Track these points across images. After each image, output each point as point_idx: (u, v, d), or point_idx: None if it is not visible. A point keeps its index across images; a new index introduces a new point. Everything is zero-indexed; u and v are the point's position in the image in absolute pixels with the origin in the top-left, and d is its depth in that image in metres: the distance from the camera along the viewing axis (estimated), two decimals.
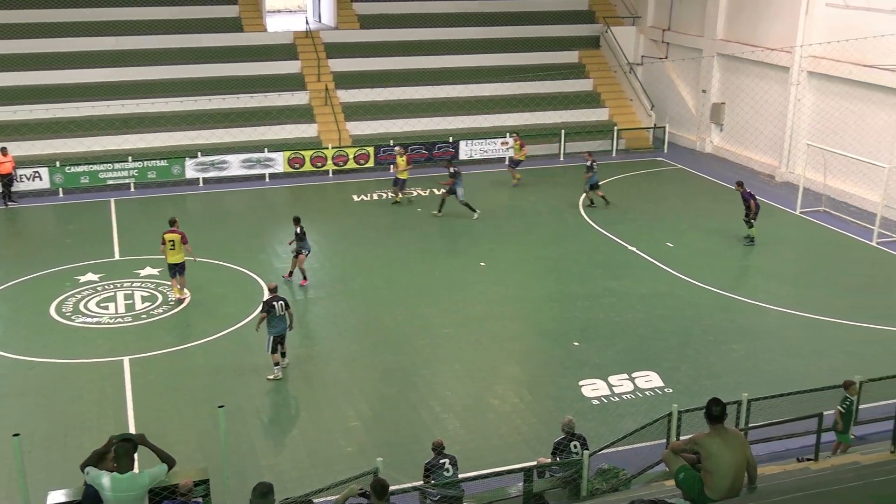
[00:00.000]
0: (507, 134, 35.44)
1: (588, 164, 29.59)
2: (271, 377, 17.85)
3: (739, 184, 26.44)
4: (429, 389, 17.72)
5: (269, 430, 16.39)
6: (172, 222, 21.47)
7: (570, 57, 40.70)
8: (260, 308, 18.25)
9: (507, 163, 33.65)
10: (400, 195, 30.02)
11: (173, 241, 21.02)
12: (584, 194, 30.01)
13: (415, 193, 30.77)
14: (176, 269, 21.30)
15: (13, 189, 29.61)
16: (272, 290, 18.15)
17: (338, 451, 15.45)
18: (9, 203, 29.26)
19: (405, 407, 17.00)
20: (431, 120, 36.44)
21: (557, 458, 13.62)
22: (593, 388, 17.60)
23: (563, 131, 36.28)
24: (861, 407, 15.49)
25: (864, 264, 25.12)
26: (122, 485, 9.23)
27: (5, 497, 13.76)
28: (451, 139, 35.00)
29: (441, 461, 13.20)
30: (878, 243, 26.29)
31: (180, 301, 21.49)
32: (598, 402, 17.12)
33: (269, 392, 17.62)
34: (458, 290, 22.71)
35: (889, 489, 7.24)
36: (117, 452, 9.38)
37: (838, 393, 15.35)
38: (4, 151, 29.22)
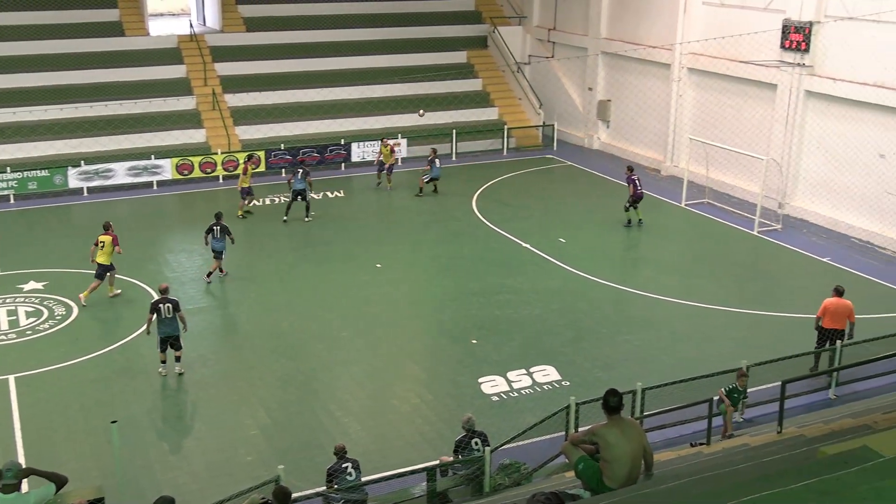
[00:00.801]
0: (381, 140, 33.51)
1: (430, 158, 30.92)
2: (161, 371, 18.02)
3: (629, 168, 27.66)
4: (328, 394, 17.61)
5: (166, 443, 15.99)
6: (107, 227, 21.82)
7: (459, 57, 41.00)
8: (149, 309, 18.24)
9: (381, 168, 32.12)
10: (245, 205, 28.74)
11: (104, 242, 21.40)
12: (420, 186, 30.93)
13: (261, 202, 29.93)
14: (104, 270, 21.51)
15: None
16: (162, 292, 18.24)
17: (238, 461, 15.21)
18: None
19: (305, 413, 16.84)
20: (322, 122, 36.19)
21: (459, 456, 13.73)
22: (492, 385, 17.78)
23: (454, 131, 36.51)
24: (749, 390, 16.10)
25: (746, 253, 26.08)
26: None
27: None
28: (342, 141, 34.82)
29: (343, 465, 13.16)
30: (758, 232, 27.31)
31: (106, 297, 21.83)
32: (497, 399, 17.30)
33: (165, 404, 17.23)
34: (354, 292, 22.62)
35: (776, 468, 7.55)
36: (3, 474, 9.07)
37: (728, 378, 15.93)
38: None
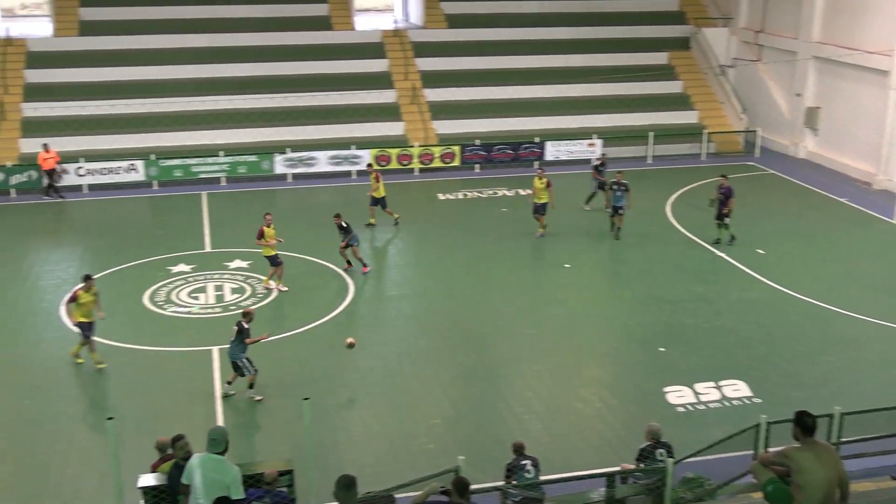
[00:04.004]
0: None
1: (600, 164, 29.38)
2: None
3: (724, 176, 26.15)
4: (511, 390, 17.66)
5: (353, 426, 16.47)
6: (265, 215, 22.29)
7: (660, 58, 40.15)
8: None
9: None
10: (373, 217, 27.09)
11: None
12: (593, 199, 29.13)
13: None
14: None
15: (59, 184, 30.19)
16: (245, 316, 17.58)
17: (419, 448, 15.52)
18: (58, 197, 29.98)
19: (487, 407, 16.98)
20: (518, 120, 36.36)
21: (642, 465, 13.47)
22: (679, 395, 17.31)
23: (650, 133, 35.80)
24: None
25: None
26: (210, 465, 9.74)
27: (99, 478, 14.19)
28: (537, 139, 34.86)
29: (522, 462, 13.15)
30: None
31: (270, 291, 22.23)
32: (683, 410, 16.85)
33: (355, 387, 17.76)
34: (541, 291, 22.61)
35: None
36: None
37: None
38: (47, 148, 29.93)
